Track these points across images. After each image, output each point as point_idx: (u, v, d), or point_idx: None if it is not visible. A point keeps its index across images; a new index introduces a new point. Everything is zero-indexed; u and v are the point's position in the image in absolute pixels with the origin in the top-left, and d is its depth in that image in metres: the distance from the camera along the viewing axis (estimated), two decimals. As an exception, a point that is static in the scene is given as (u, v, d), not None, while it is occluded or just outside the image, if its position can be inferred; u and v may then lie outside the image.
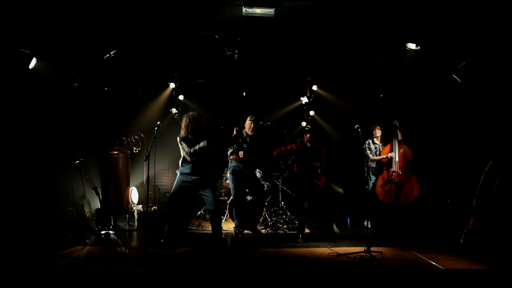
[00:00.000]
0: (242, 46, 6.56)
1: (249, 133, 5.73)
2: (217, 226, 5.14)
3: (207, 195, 5.07)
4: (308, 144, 5.75)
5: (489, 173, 5.61)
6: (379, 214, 6.43)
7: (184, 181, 5.05)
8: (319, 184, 5.75)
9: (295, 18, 5.86)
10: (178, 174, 5.15)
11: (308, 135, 5.74)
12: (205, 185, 5.07)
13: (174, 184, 5.16)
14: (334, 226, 5.63)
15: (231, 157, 5.68)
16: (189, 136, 4.99)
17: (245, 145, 5.67)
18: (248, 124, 5.73)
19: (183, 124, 5.06)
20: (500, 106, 6.07)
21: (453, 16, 5.52)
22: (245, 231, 5.72)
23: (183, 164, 5.07)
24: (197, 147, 4.93)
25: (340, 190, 5.59)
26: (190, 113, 5.11)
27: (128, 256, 4.60)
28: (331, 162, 5.87)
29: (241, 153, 5.56)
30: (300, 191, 5.74)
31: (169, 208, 5.15)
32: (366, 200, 6.10)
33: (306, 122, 7.76)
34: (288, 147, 5.86)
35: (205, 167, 5.08)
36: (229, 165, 5.80)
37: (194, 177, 5.01)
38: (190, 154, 4.96)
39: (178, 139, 5.03)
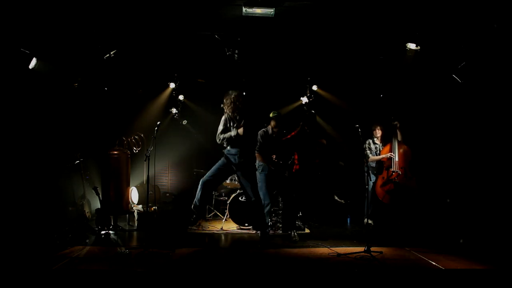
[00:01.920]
0: (242, 46, 6.56)
1: (274, 129, 5.75)
2: (261, 215, 5.20)
3: (247, 185, 5.14)
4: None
5: (488, 173, 5.61)
6: (379, 214, 6.43)
7: (227, 162, 5.13)
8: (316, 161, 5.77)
9: (295, 18, 5.85)
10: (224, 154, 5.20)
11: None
12: (247, 173, 5.11)
13: (216, 164, 5.19)
14: (335, 197, 5.64)
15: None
16: (236, 115, 5.10)
17: (270, 142, 5.68)
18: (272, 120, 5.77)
19: (230, 101, 5.13)
20: (500, 106, 6.07)
21: (453, 16, 5.52)
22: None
23: (228, 145, 5.15)
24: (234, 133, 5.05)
25: (342, 201, 5.63)
26: (236, 92, 5.20)
27: (128, 256, 4.60)
28: (331, 162, 5.87)
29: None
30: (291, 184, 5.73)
31: (205, 186, 5.12)
32: (366, 200, 6.10)
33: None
34: (293, 133, 5.81)
35: (251, 151, 5.20)
36: (257, 163, 5.75)
37: (239, 160, 5.07)
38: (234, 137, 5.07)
39: (225, 116, 5.17)
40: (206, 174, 5.17)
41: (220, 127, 5.21)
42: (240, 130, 5.04)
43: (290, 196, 5.74)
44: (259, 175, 5.71)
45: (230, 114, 5.18)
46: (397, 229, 6.17)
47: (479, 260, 4.67)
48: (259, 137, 5.73)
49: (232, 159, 5.14)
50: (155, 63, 7.20)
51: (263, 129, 5.81)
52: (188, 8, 5.58)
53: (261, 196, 5.62)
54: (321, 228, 6.43)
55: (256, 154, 5.65)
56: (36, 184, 5.84)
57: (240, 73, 7.40)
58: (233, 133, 5.10)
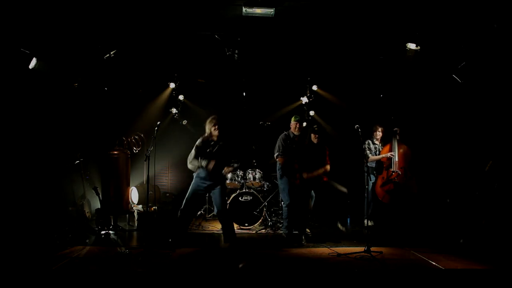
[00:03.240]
0: (242, 46, 6.56)
1: (296, 133, 5.65)
2: (227, 224, 5.15)
3: (216, 197, 5.13)
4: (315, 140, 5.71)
5: (489, 173, 5.61)
6: (379, 214, 6.43)
7: (199, 185, 5.13)
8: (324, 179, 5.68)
9: (295, 18, 5.86)
10: (194, 177, 5.19)
11: (315, 135, 5.69)
12: (216, 187, 5.11)
13: (190, 187, 5.19)
14: (339, 225, 5.60)
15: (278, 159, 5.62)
16: (212, 138, 5.09)
17: (294, 146, 5.59)
18: (293, 124, 5.66)
19: (210, 128, 5.12)
20: (500, 106, 6.07)
21: (453, 16, 5.52)
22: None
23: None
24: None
25: (344, 189, 5.59)
26: (214, 116, 5.16)
27: (128, 256, 4.60)
28: (331, 162, 5.86)
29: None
30: (302, 187, 5.69)
31: (185, 211, 5.13)
32: (366, 200, 6.10)
33: (307, 122, 7.77)
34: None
35: (220, 172, 5.15)
36: (278, 166, 5.67)
37: (209, 182, 5.07)
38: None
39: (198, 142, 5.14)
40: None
41: (193, 152, 5.14)
42: (210, 165, 4.99)
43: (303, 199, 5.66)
44: (282, 178, 5.61)
45: (210, 137, 5.15)
46: (397, 229, 6.16)
47: (479, 260, 4.67)
48: (280, 141, 5.62)
49: (202, 183, 5.13)
50: (155, 63, 7.20)
51: (285, 132, 5.71)
52: (189, 8, 5.58)
53: (283, 198, 5.64)
54: (322, 228, 6.43)
55: (279, 158, 5.58)
56: (36, 184, 5.84)
57: (240, 73, 7.40)
58: (203, 163, 5.04)
